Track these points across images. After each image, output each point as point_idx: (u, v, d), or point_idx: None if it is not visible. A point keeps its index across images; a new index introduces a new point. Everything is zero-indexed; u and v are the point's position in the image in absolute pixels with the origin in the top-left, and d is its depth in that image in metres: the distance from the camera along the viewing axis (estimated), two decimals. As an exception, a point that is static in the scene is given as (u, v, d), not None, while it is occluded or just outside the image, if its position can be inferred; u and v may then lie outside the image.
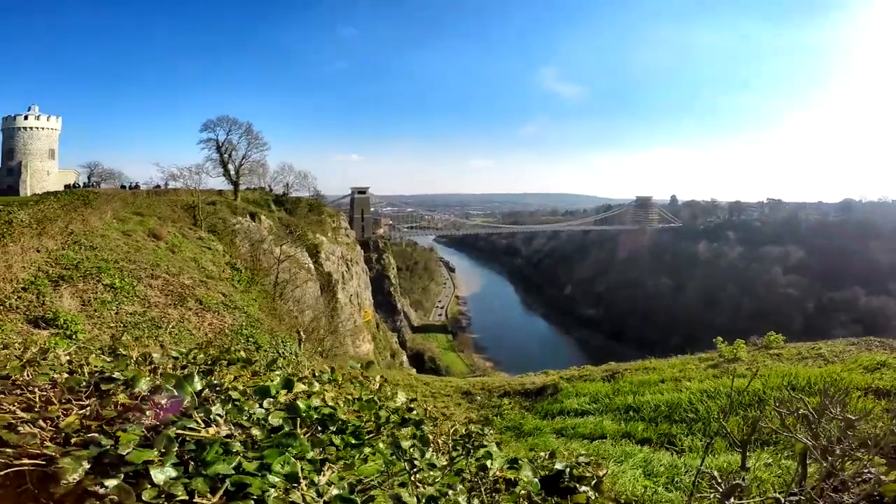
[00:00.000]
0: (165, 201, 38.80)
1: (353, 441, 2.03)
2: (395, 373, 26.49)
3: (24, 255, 15.83)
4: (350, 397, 2.33)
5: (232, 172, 48.97)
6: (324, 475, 1.73)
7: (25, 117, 49.52)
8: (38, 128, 49.65)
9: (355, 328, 54.72)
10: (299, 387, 2.19)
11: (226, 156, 48.93)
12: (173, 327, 13.06)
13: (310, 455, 1.74)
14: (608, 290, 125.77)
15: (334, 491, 1.65)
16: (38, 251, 17.10)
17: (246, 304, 17.55)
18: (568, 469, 2.25)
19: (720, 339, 14.35)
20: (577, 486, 2.16)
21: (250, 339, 13.95)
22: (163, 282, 16.12)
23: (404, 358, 65.74)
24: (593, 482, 2.21)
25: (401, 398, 2.51)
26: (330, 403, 2.09)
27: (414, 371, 47.08)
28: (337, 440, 1.99)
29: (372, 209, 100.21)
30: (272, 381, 2.14)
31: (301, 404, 2.00)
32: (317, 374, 2.59)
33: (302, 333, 25.53)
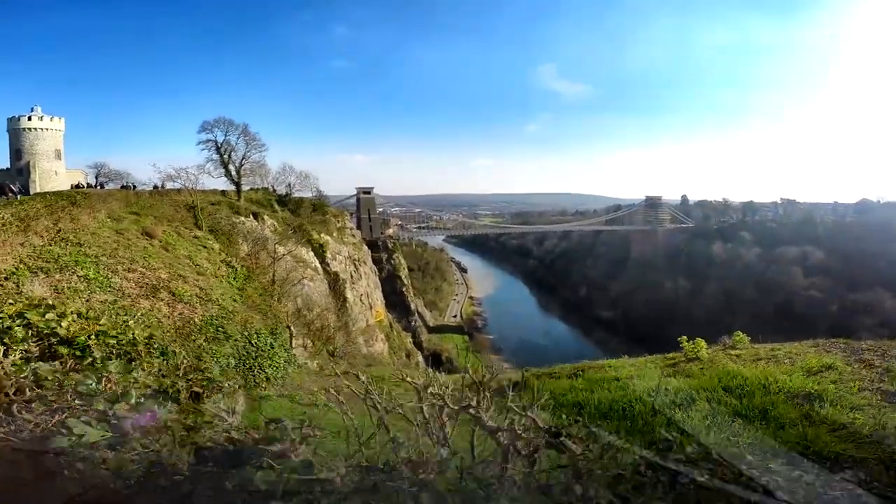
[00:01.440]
0: (168, 201, 39.38)
1: (79, 353, 3.10)
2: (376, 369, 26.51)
3: (5, 248, 16.38)
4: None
5: (233, 173, 49.56)
6: (14, 354, 2.73)
7: (29, 118, 50.22)
8: (42, 128, 50.42)
9: (367, 328, 54.71)
10: (51, 315, 3.32)
11: (225, 156, 49.54)
12: (141, 315, 13.27)
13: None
14: (624, 292, 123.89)
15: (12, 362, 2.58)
16: (23, 245, 17.70)
17: (223, 298, 17.70)
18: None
19: (684, 338, 14.26)
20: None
21: (220, 328, 14.11)
22: (139, 275, 16.40)
23: (420, 358, 65.05)
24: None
25: (136, 334, 3.63)
26: (63, 325, 3.22)
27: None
28: (65, 350, 3.09)
29: (380, 210, 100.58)
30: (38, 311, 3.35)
31: (41, 324, 3.21)
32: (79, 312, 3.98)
33: (292, 328, 25.75)
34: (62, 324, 3.26)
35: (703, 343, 13.82)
